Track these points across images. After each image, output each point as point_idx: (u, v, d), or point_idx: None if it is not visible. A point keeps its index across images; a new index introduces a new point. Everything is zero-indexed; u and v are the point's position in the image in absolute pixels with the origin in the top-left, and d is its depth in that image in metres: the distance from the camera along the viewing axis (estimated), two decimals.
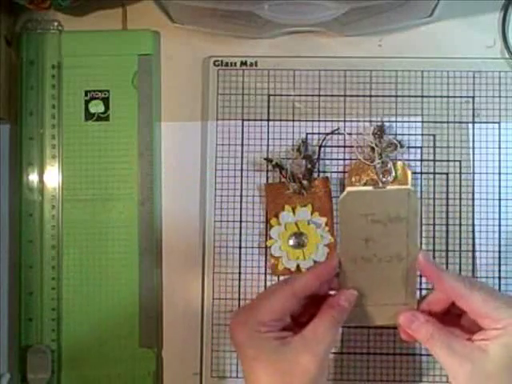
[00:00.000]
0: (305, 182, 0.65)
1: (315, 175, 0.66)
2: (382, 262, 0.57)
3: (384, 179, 0.65)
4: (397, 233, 0.56)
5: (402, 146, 0.66)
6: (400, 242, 0.56)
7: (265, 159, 0.66)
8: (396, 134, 0.66)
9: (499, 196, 0.66)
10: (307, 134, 0.67)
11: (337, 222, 0.65)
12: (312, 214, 0.66)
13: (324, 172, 0.66)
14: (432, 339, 0.55)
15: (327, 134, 0.66)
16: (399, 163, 0.66)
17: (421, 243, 0.65)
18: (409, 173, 0.65)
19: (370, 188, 0.56)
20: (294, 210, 0.66)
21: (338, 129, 0.66)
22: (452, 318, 0.57)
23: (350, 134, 0.66)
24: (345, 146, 0.67)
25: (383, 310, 0.58)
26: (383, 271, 0.57)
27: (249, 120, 0.67)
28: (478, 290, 0.54)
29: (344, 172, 0.66)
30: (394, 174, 0.65)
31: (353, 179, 0.66)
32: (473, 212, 0.66)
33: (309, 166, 0.65)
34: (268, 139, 0.67)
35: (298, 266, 0.65)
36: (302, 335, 0.54)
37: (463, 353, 0.53)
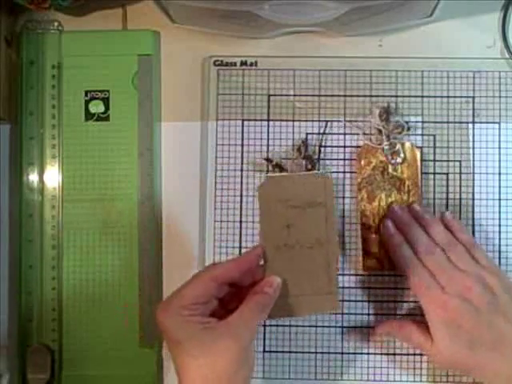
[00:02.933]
0: None
1: None
2: (303, 248, 0.57)
3: (393, 161, 0.65)
4: (315, 218, 0.57)
5: (408, 128, 0.66)
6: (319, 228, 0.57)
7: (265, 159, 0.66)
8: (403, 115, 0.66)
9: (499, 196, 0.66)
10: (307, 133, 0.67)
11: (337, 221, 0.66)
12: None
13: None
14: None
15: (328, 121, 0.66)
16: (407, 144, 0.66)
17: None
18: (417, 153, 0.65)
19: (286, 174, 0.58)
20: None
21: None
22: None
23: (351, 121, 0.66)
24: (345, 146, 0.67)
25: (307, 300, 0.59)
26: (305, 259, 0.57)
27: (249, 120, 0.67)
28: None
29: (344, 172, 0.66)
30: (402, 155, 0.65)
31: (362, 162, 0.66)
32: (473, 212, 0.66)
33: (309, 166, 0.65)
34: (268, 139, 0.67)
35: None
36: (227, 321, 0.55)
37: None
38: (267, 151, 0.67)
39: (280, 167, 0.66)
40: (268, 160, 0.66)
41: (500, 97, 0.66)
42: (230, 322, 0.55)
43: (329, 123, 0.67)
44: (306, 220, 0.56)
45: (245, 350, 0.55)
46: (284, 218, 0.56)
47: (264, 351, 0.66)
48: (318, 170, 0.66)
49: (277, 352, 0.66)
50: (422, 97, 0.67)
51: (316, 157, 0.66)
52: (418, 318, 0.64)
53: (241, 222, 0.67)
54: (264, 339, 0.66)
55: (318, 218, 0.56)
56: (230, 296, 0.59)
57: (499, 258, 0.65)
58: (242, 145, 0.67)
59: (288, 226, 0.56)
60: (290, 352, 0.66)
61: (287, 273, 0.57)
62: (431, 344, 0.58)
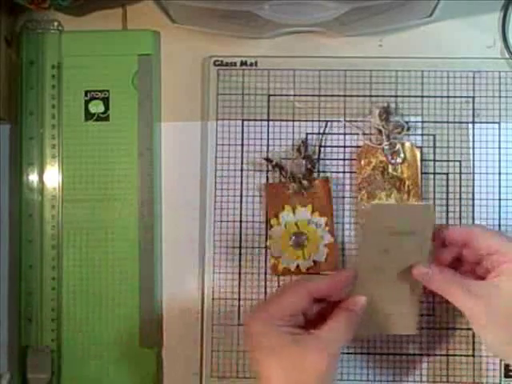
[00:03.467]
0: (305, 182, 0.65)
1: (315, 175, 0.66)
2: (394, 272, 0.59)
3: (393, 161, 0.65)
4: (412, 245, 0.58)
5: (408, 128, 0.66)
6: (413, 255, 0.58)
7: (265, 159, 0.66)
8: (402, 115, 0.66)
9: (499, 196, 0.66)
10: (307, 133, 0.67)
11: (337, 221, 0.66)
12: (312, 214, 0.66)
13: (324, 172, 0.66)
14: (446, 284, 0.57)
15: (327, 121, 0.66)
16: (407, 144, 0.66)
17: None
18: (417, 153, 0.65)
19: (393, 203, 0.62)
20: (294, 209, 0.66)
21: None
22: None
23: (351, 121, 0.66)
24: (345, 146, 0.67)
25: (391, 319, 0.60)
26: (395, 282, 0.59)
27: (249, 120, 0.67)
28: (484, 230, 0.60)
29: (344, 172, 0.66)
30: (402, 155, 0.65)
31: (362, 162, 0.66)
32: (473, 212, 0.66)
33: (309, 166, 0.65)
34: (268, 139, 0.67)
35: (297, 266, 0.65)
36: (316, 334, 0.55)
37: (477, 291, 0.56)
38: (267, 151, 0.67)
39: (280, 167, 0.66)
40: (268, 160, 0.66)
41: (500, 97, 0.66)
42: (319, 335, 0.55)
43: (329, 123, 0.67)
44: (403, 247, 0.58)
45: (332, 366, 0.55)
46: (383, 244, 0.58)
47: None
48: (318, 170, 0.66)
49: None
50: (422, 97, 0.67)
51: (316, 157, 0.66)
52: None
53: (241, 221, 0.67)
54: None
55: (415, 246, 0.58)
56: (314, 311, 0.59)
57: None
58: (242, 145, 0.67)
59: (386, 250, 0.58)
60: None
61: (376, 293, 0.59)
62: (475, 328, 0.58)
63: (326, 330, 0.56)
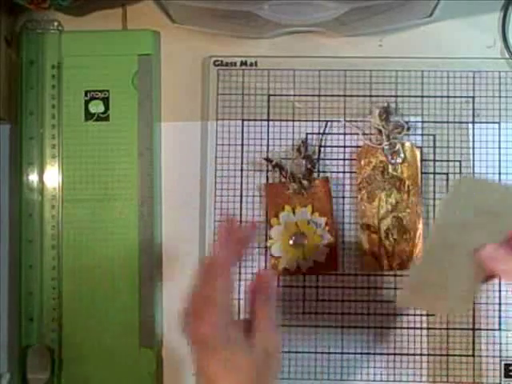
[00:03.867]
0: (305, 182, 0.65)
1: (315, 175, 0.66)
2: (465, 251, 0.56)
3: (393, 161, 0.65)
4: (493, 227, 0.55)
5: (408, 128, 0.66)
6: (491, 236, 0.55)
7: (265, 159, 0.66)
8: (402, 115, 0.66)
9: None
10: (307, 133, 0.67)
11: (337, 221, 0.66)
12: (312, 214, 0.66)
13: (324, 172, 0.66)
14: None
15: (327, 121, 0.66)
16: (407, 144, 0.66)
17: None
18: (417, 153, 0.65)
19: (485, 179, 0.59)
20: (294, 209, 0.66)
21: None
22: None
23: (351, 121, 0.66)
24: (345, 146, 0.67)
25: (449, 299, 0.58)
26: (465, 263, 0.56)
27: (249, 120, 0.67)
28: None
29: (344, 172, 0.66)
30: (402, 154, 0.65)
31: (362, 162, 0.66)
32: None
33: (309, 166, 0.65)
34: (268, 139, 0.67)
35: (297, 266, 0.65)
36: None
37: None
38: (267, 151, 0.67)
39: (280, 167, 0.66)
40: (268, 160, 0.66)
41: (500, 97, 0.66)
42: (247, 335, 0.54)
43: (329, 123, 0.67)
44: (483, 226, 0.55)
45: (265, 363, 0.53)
46: (463, 220, 0.55)
47: None
48: (318, 170, 0.66)
49: None
50: (422, 97, 0.67)
51: (316, 157, 0.66)
52: (417, 317, 0.64)
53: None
54: None
55: (494, 228, 0.55)
56: None
57: None
58: (242, 145, 0.67)
59: (464, 227, 0.55)
60: (289, 352, 0.66)
61: (443, 271, 0.56)
62: None
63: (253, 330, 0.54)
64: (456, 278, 0.57)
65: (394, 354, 0.65)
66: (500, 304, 0.65)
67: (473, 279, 0.57)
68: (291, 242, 0.65)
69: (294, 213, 0.66)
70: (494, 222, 0.55)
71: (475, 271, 0.56)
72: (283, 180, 0.66)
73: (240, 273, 0.66)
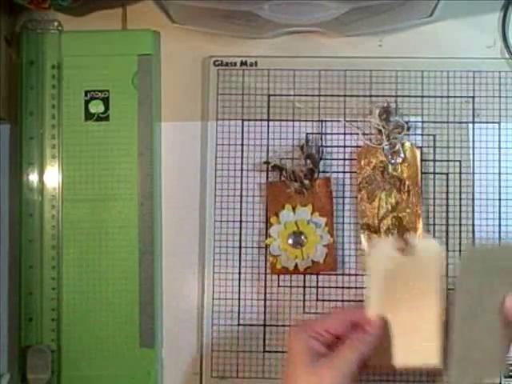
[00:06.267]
0: (306, 182, 0.65)
1: (316, 175, 0.66)
2: (488, 316, 0.57)
3: (393, 161, 0.65)
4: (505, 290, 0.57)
5: (408, 128, 0.66)
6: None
7: (264, 163, 0.66)
8: (402, 115, 0.66)
9: (499, 196, 0.66)
10: (307, 134, 0.67)
11: (337, 221, 0.66)
12: (312, 213, 0.66)
13: (324, 172, 0.66)
14: None
15: (327, 121, 0.66)
16: (407, 144, 0.66)
17: None
18: (417, 153, 0.65)
19: (493, 244, 0.62)
20: (294, 209, 0.66)
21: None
22: None
23: (351, 121, 0.66)
24: (345, 146, 0.67)
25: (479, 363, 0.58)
26: (488, 327, 0.57)
27: (249, 120, 0.67)
28: None
29: (344, 172, 0.66)
30: (402, 154, 0.65)
31: (362, 162, 0.66)
32: (473, 212, 0.66)
33: (311, 165, 0.65)
34: (268, 139, 0.67)
35: (296, 266, 0.65)
36: (331, 355, 0.57)
37: None
38: (267, 151, 0.67)
39: (279, 168, 0.66)
40: (267, 163, 0.66)
41: (500, 97, 0.66)
42: (333, 356, 0.57)
43: (329, 123, 0.67)
44: (498, 291, 0.57)
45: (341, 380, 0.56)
46: (481, 285, 0.57)
47: (264, 351, 0.66)
48: (319, 170, 0.66)
49: (277, 352, 0.66)
50: (422, 97, 0.67)
51: (318, 156, 0.66)
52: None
53: (241, 221, 0.67)
54: (264, 339, 0.66)
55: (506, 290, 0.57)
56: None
57: None
58: (242, 145, 0.67)
59: (485, 290, 0.57)
60: None
61: (471, 338, 0.58)
62: None
63: (340, 350, 0.57)
64: (492, 338, 0.57)
65: None
66: None
67: (498, 343, 0.57)
68: (290, 240, 0.65)
69: (294, 212, 0.66)
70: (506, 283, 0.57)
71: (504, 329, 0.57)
72: (284, 179, 0.66)
73: (240, 272, 0.66)
